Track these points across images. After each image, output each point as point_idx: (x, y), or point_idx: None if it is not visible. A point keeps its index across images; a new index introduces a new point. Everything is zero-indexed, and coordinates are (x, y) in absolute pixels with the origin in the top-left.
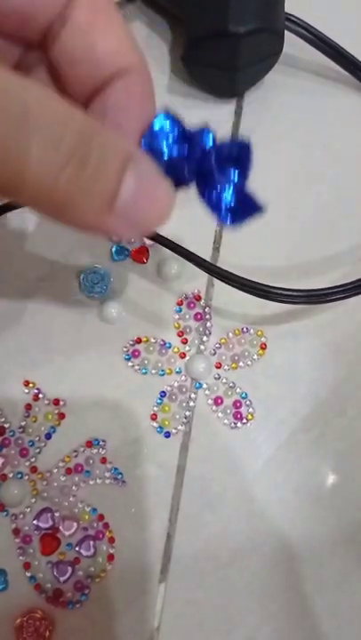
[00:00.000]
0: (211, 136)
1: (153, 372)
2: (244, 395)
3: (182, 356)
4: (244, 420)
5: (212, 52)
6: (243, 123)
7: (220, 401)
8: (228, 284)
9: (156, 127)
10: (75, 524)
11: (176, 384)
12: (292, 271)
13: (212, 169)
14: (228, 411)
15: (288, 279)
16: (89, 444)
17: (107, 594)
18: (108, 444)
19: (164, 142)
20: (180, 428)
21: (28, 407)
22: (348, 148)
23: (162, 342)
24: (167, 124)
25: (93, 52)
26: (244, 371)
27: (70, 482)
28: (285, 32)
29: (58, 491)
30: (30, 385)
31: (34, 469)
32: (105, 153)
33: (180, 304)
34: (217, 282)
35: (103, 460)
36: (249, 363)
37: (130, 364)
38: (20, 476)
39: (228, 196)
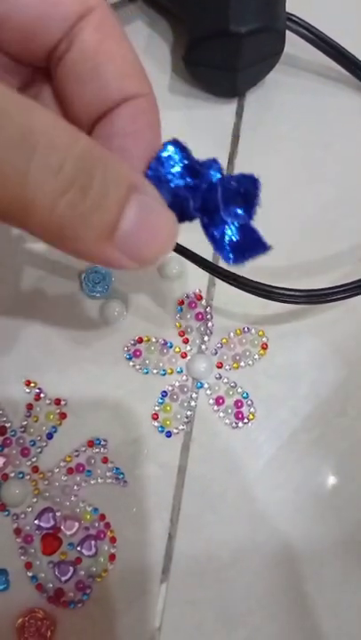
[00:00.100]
0: (218, 169)
1: (154, 371)
2: (245, 394)
3: (183, 355)
4: (246, 420)
5: (214, 51)
6: (244, 122)
7: (221, 401)
8: (230, 284)
9: (164, 156)
10: (76, 524)
11: (177, 384)
12: (292, 271)
13: (218, 204)
14: (230, 410)
15: (288, 279)
16: (90, 444)
17: (108, 594)
18: (110, 444)
19: (171, 172)
20: (181, 427)
21: (30, 407)
22: (349, 147)
23: (163, 342)
24: (175, 153)
25: (100, 74)
26: (245, 370)
27: (72, 481)
28: (286, 32)
29: (59, 490)
30: (32, 385)
31: (35, 469)
32: (107, 181)
33: (181, 304)
34: (218, 281)
35: (104, 460)
36: (250, 362)
37: (131, 363)
38: (21, 475)
39: (232, 234)
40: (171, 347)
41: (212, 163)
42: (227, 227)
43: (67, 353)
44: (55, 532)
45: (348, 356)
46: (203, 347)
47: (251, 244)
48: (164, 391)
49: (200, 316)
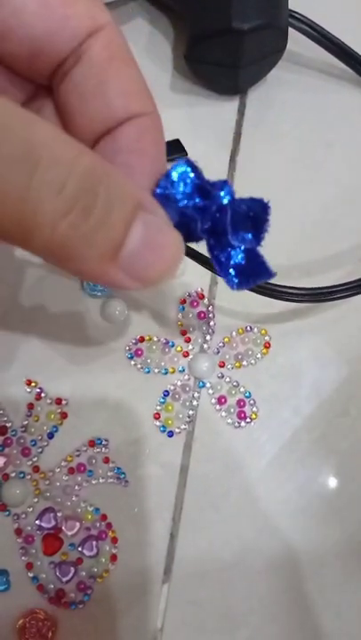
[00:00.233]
0: (229, 191)
1: (156, 370)
2: (247, 394)
3: (185, 354)
4: (248, 420)
5: (215, 49)
6: (246, 120)
7: (223, 400)
8: None
9: (174, 175)
10: (77, 524)
11: (179, 383)
12: (293, 270)
13: (227, 227)
14: (232, 410)
15: (290, 278)
16: (91, 444)
17: (109, 594)
18: (111, 444)
19: (181, 192)
20: (183, 427)
21: (31, 406)
22: (352, 145)
23: (165, 341)
24: (186, 172)
25: (106, 91)
26: (247, 370)
27: (73, 481)
28: (289, 29)
29: (60, 490)
30: (32, 384)
31: (36, 469)
32: (112, 199)
33: (183, 303)
34: (220, 280)
35: (106, 460)
36: (253, 362)
37: (132, 362)
38: (22, 475)
39: (238, 259)
40: (172, 346)
41: (224, 184)
42: (233, 250)
43: (68, 352)
44: (56, 533)
45: (351, 355)
46: (205, 346)
47: (256, 270)
48: (166, 390)
49: (202, 315)
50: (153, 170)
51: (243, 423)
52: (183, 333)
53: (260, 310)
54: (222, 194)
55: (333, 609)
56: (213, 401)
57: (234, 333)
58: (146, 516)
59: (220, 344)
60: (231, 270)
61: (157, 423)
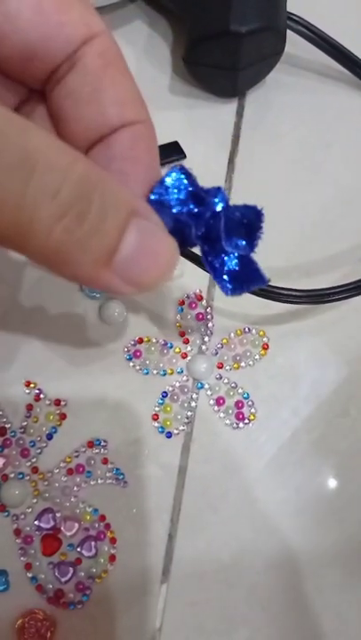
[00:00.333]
0: (223, 197)
1: (154, 372)
2: (245, 395)
3: (184, 356)
4: (246, 421)
5: (214, 51)
6: (244, 122)
7: (221, 401)
8: None
9: (168, 182)
10: (76, 525)
11: (178, 384)
12: (292, 271)
13: (220, 234)
14: (230, 411)
15: (289, 279)
16: (90, 445)
17: (108, 594)
18: (110, 445)
19: (175, 198)
20: (181, 428)
21: (30, 407)
22: (350, 147)
23: (163, 342)
24: (180, 179)
25: (101, 99)
26: (245, 371)
27: (71, 482)
28: (287, 31)
29: (59, 491)
30: (31, 385)
31: (35, 470)
32: (106, 205)
33: (181, 304)
34: None
35: (104, 461)
36: (251, 363)
37: (131, 364)
38: (21, 476)
39: (232, 264)
40: (171, 347)
41: (218, 191)
42: (227, 257)
43: (67, 354)
44: (55, 533)
45: (349, 356)
46: (203, 347)
47: (250, 276)
48: (165, 392)
49: (200, 317)
50: (147, 177)
51: (241, 424)
52: (182, 335)
53: (259, 312)
54: (216, 200)
55: (332, 609)
56: (212, 402)
57: (232, 335)
58: (144, 516)
59: (219, 345)
60: (225, 276)
61: (156, 424)
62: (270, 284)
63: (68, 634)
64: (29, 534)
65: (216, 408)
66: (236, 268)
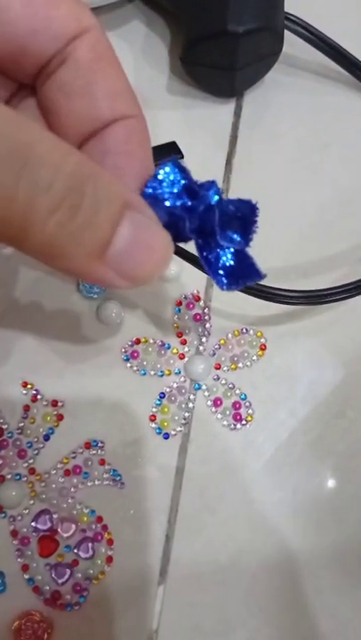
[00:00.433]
0: (217, 191)
1: (152, 373)
2: (243, 396)
3: (181, 357)
4: (244, 422)
5: (212, 51)
6: (242, 122)
7: (219, 402)
8: None
9: (162, 176)
10: (73, 526)
11: (175, 385)
12: (290, 272)
13: (215, 227)
14: (228, 412)
15: (286, 280)
16: (87, 446)
17: (105, 596)
18: (107, 446)
19: (169, 191)
20: (179, 429)
21: (27, 408)
22: (348, 147)
23: (161, 343)
24: (174, 173)
25: (93, 92)
26: (243, 372)
27: (69, 483)
28: (285, 31)
29: (56, 492)
30: (29, 386)
31: (32, 471)
32: (99, 199)
33: (179, 305)
34: None
35: (102, 462)
36: (248, 364)
37: (128, 364)
38: (18, 477)
39: (227, 259)
40: (168, 348)
41: (211, 185)
42: (222, 251)
43: (64, 354)
44: (52, 535)
45: (347, 358)
46: (201, 348)
47: (245, 271)
48: (162, 392)
49: (198, 317)
50: (141, 171)
51: (238, 425)
52: (179, 335)
53: (256, 312)
54: (210, 193)
55: (330, 611)
56: (209, 403)
57: (230, 335)
58: (142, 517)
59: (216, 346)
60: (220, 271)
61: (153, 425)
62: (268, 284)
63: (64, 635)
64: (26, 535)
65: (213, 409)
66: (232, 263)
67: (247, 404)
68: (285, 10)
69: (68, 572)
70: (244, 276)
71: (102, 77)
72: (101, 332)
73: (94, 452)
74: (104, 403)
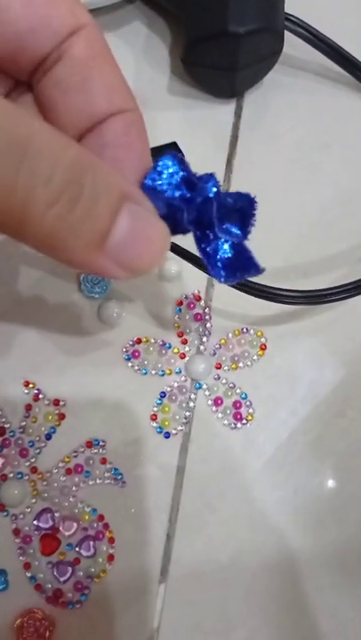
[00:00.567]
0: (215, 184)
1: (153, 372)
2: (243, 395)
3: (182, 356)
4: (244, 421)
5: (212, 52)
6: (242, 123)
7: (219, 401)
8: (228, 285)
9: (161, 168)
10: (75, 525)
11: (176, 384)
12: (290, 272)
13: (213, 219)
14: (228, 411)
15: (287, 280)
16: (89, 445)
17: (107, 594)
18: (108, 445)
19: (167, 183)
20: (179, 428)
21: (29, 407)
22: (348, 148)
23: (162, 343)
24: (173, 165)
25: (90, 87)
26: (243, 371)
27: (70, 482)
28: (285, 32)
29: (58, 491)
30: (30, 385)
31: (34, 470)
32: (98, 190)
33: (180, 304)
34: (217, 282)
35: (103, 461)
36: (249, 363)
37: (130, 364)
38: (20, 476)
39: (225, 251)
40: (169, 347)
41: (210, 177)
42: (220, 243)
43: (65, 354)
44: (54, 533)
45: (347, 357)
46: (201, 347)
47: (243, 264)
48: (163, 392)
49: (199, 317)
50: (140, 163)
51: (239, 424)
52: (180, 335)
53: (257, 312)
54: (209, 186)
55: (330, 610)
56: (210, 402)
57: (230, 335)
58: (143, 516)
59: (217, 346)
60: (218, 263)
61: (154, 424)
62: (268, 284)
63: (66, 633)
64: (28, 534)
65: (214, 408)
66: (230, 255)
67: (248, 403)
68: (285, 10)
69: (70, 570)
70: (242, 268)
71: (98, 73)
72: (103, 331)
73: (96, 450)
74: (105, 402)
